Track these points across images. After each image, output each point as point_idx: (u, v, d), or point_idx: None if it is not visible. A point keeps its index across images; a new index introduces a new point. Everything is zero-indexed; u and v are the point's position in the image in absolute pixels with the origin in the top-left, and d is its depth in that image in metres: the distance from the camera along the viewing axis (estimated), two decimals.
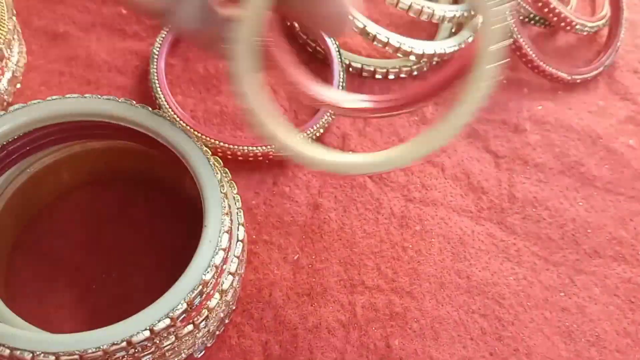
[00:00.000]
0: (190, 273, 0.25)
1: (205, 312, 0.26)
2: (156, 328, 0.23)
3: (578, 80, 0.44)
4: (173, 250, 0.32)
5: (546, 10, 0.43)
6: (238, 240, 0.28)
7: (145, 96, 0.38)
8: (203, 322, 0.26)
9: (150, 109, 0.28)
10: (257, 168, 0.37)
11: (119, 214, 0.33)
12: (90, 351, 0.22)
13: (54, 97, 0.28)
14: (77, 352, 0.22)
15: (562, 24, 0.44)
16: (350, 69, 0.41)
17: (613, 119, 0.43)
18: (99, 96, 0.28)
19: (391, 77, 0.41)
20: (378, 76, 0.41)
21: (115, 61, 0.39)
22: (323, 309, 0.33)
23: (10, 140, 0.28)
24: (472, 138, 0.41)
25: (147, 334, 0.23)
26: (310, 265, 0.34)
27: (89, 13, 0.41)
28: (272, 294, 0.33)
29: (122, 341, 0.23)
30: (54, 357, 0.22)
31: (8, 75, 0.34)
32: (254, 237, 0.35)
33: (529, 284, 0.36)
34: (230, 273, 0.27)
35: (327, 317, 0.32)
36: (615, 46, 0.46)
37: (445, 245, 0.36)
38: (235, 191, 0.29)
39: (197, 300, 0.25)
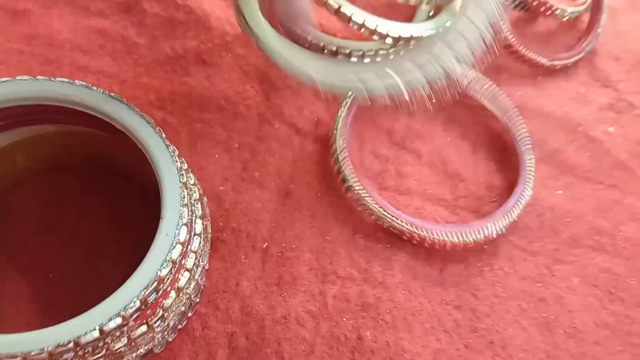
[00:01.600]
0: (144, 268, 0.23)
1: (160, 312, 0.24)
2: (106, 328, 0.22)
3: (558, 66, 0.43)
4: (134, 239, 0.31)
5: None
6: (195, 234, 0.26)
7: (109, 75, 0.36)
8: (158, 322, 0.24)
9: (107, 92, 0.27)
10: (226, 152, 0.35)
11: (77, 201, 0.31)
12: (34, 353, 0.20)
13: (4, 78, 0.26)
14: (19, 354, 0.20)
15: (542, 8, 0.42)
16: (325, 51, 0.40)
17: (593, 106, 0.42)
18: (53, 78, 0.26)
19: (367, 60, 0.40)
20: (354, 59, 0.40)
21: (78, 40, 0.37)
22: (292, 299, 0.31)
23: None
24: (449, 124, 0.39)
25: (96, 334, 0.21)
26: (280, 254, 0.33)
27: None
28: (239, 284, 0.31)
29: (69, 342, 0.21)
30: None
31: None
32: (221, 224, 0.33)
33: (505, 275, 0.34)
34: (187, 269, 0.25)
35: (296, 308, 0.31)
36: (595, 32, 0.45)
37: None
38: (192, 181, 0.28)
39: (151, 298, 0.23)
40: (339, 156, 0.35)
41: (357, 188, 0.34)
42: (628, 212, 0.38)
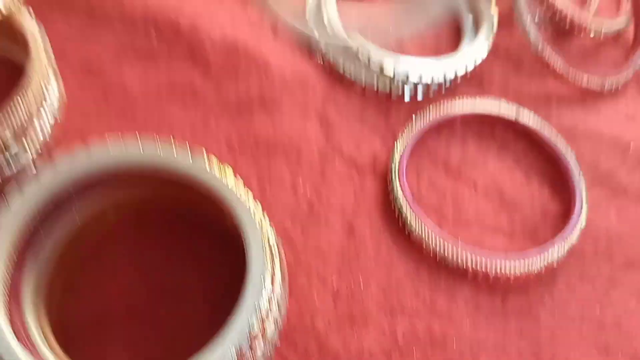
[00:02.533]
0: (236, 321, 0.25)
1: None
2: None
3: (609, 88, 0.44)
4: (219, 288, 0.33)
5: (559, 16, 0.43)
6: (276, 280, 0.29)
7: (180, 126, 0.39)
8: None
9: (189, 153, 0.29)
10: (293, 193, 0.38)
11: (165, 252, 0.34)
12: None
13: (98, 146, 0.29)
14: None
15: (576, 30, 0.43)
16: None
17: None
18: (140, 144, 0.29)
19: None
20: None
21: (149, 92, 0.40)
22: (364, 335, 0.34)
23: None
24: (502, 152, 0.41)
25: None
26: (349, 291, 0.35)
27: (120, 43, 0.41)
28: (314, 322, 0.34)
29: None
30: None
31: (47, 115, 0.34)
32: (294, 265, 0.35)
33: (564, 301, 0.36)
34: (272, 317, 0.28)
35: (369, 344, 0.33)
36: None
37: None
38: (267, 226, 0.30)
39: (245, 349, 0.26)
40: (398, 197, 0.37)
41: (418, 230, 0.36)
42: None
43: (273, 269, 0.28)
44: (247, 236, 0.28)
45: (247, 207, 0.28)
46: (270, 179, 0.38)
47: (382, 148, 0.40)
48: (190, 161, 0.29)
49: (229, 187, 0.29)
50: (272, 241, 0.30)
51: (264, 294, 0.26)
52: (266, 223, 0.30)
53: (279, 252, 0.30)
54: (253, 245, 0.28)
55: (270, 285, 0.27)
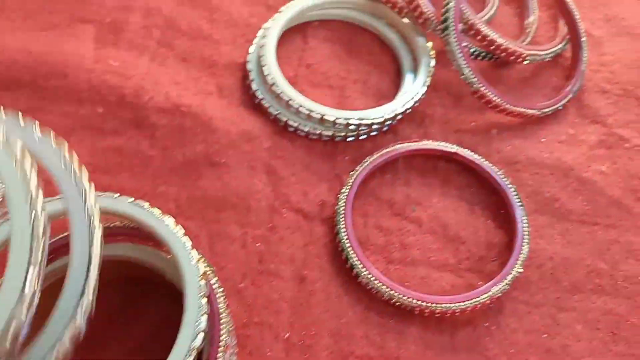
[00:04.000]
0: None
1: None
2: None
3: (548, 113, 0.45)
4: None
5: (492, 46, 0.44)
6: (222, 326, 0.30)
7: (130, 191, 0.40)
8: None
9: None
10: (242, 247, 0.39)
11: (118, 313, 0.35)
12: None
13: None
14: None
15: (512, 57, 0.45)
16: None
17: (584, 146, 0.44)
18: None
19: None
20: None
21: (98, 161, 0.41)
22: None
23: None
24: (445, 187, 0.42)
25: None
26: (301, 342, 0.36)
27: (67, 117, 0.43)
28: None
29: None
30: None
31: None
32: (245, 320, 0.37)
33: (512, 331, 0.37)
34: None
35: None
36: (580, 71, 0.46)
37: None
38: (213, 279, 0.31)
39: None
40: (344, 242, 0.38)
41: (364, 273, 0.37)
42: (626, 250, 0.40)
43: (214, 315, 0.30)
44: (186, 282, 0.29)
45: (187, 253, 0.30)
46: (220, 236, 0.39)
47: (329, 193, 0.42)
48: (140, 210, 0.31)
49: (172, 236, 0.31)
50: (217, 292, 0.31)
51: (198, 335, 0.28)
52: (213, 276, 0.32)
53: (224, 303, 0.32)
54: (190, 288, 0.29)
55: (207, 327, 0.28)
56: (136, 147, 0.42)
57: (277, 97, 0.43)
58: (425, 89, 0.44)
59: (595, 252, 0.40)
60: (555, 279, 0.39)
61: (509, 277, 0.38)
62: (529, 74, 0.48)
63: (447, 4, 0.43)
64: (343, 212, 0.40)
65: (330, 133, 0.43)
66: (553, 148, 0.44)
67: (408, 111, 0.44)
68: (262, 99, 0.44)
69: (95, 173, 0.41)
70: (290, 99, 0.42)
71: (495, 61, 0.47)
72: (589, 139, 0.45)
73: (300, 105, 0.42)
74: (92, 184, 0.28)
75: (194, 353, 0.27)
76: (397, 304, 0.37)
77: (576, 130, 0.45)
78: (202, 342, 0.28)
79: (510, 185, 0.41)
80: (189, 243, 0.31)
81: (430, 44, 0.46)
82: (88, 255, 0.25)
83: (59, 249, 0.32)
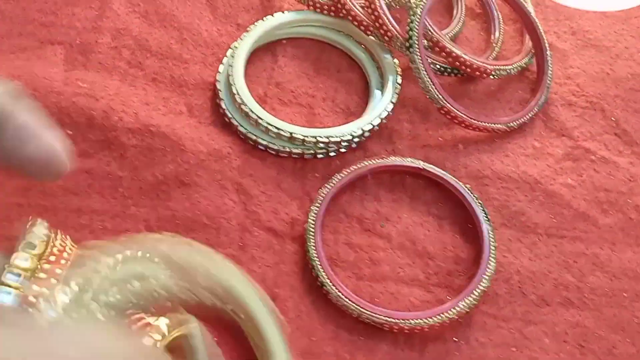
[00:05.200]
0: None
1: None
2: None
3: (515, 127, 0.46)
4: None
5: (457, 62, 0.45)
6: None
7: (100, 212, 0.40)
8: None
9: None
10: None
11: None
12: None
13: None
14: None
15: (477, 72, 0.45)
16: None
17: (550, 159, 0.45)
18: None
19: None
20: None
21: (68, 184, 0.41)
22: None
23: None
24: (414, 203, 0.43)
25: None
26: None
27: None
28: None
29: None
30: None
31: None
32: (217, 340, 0.37)
33: (480, 345, 0.38)
34: None
35: None
36: (545, 84, 0.47)
37: None
38: None
39: None
40: (314, 260, 0.39)
41: (333, 290, 0.37)
42: (592, 262, 0.41)
43: None
44: None
45: None
46: None
47: (299, 211, 0.42)
48: None
49: None
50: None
51: None
52: None
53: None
54: None
55: None
56: (106, 169, 0.42)
57: (247, 115, 0.43)
58: (392, 105, 0.45)
59: (562, 265, 0.41)
60: (522, 292, 0.40)
61: (477, 292, 0.38)
62: (496, 88, 0.49)
63: (411, 21, 0.44)
64: (313, 229, 0.40)
65: (299, 151, 0.43)
66: (519, 162, 0.45)
67: (376, 128, 0.44)
68: (231, 118, 0.44)
69: (66, 196, 0.41)
70: (259, 118, 0.43)
71: (462, 77, 0.47)
72: (555, 152, 0.45)
73: (269, 124, 0.43)
74: None
75: None
76: (367, 320, 0.37)
77: (542, 143, 0.46)
78: None
79: (477, 201, 0.41)
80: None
81: (396, 61, 0.46)
82: None
83: None
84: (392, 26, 0.45)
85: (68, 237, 0.24)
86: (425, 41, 0.45)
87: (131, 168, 0.42)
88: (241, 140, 0.44)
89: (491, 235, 0.40)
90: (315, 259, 0.39)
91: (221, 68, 0.46)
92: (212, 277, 0.26)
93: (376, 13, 0.45)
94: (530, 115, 0.46)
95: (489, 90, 0.49)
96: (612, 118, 0.47)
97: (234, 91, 0.44)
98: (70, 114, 0.43)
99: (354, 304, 0.37)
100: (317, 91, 0.47)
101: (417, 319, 0.37)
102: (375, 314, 0.37)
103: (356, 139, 0.44)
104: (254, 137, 0.43)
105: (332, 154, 0.44)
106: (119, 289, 0.23)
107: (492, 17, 0.51)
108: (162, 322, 0.25)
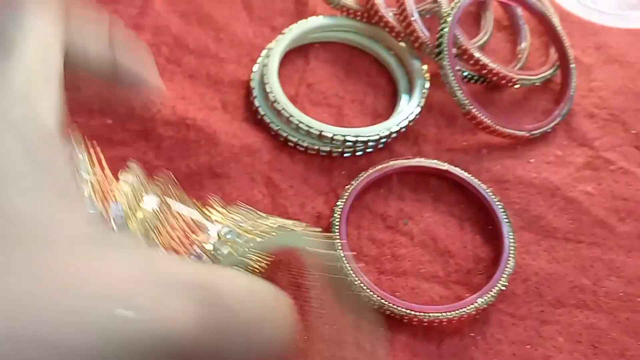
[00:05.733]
0: None
1: None
2: None
3: (537, 135, 0.47)
4: None
5: (484, 71, 0.46)
6: None
7: None
8: None
9: None
10: None
11: None
12: None
13: None
14: None
15: (503, 81, 0.47)
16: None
17: (571, 167, 0.46)
18: None
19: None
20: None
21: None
22: None
23: None
24: (437, 203, 0.44)
25: None
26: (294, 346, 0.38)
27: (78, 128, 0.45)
28: None
29: None
30: None
31: None
32: None
33: (497, 341, 0.39)
34: None
35: None
36: (568, 96, 0.48)
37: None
38: None
39: None
40: (338, 253, 0.40)
41: (357, 282, 0.39)
42: (608, 267, 0.42)
43: None
44: None
45: None
46: None
47: (325, 206, 0.44)
48: None
49: None
50: None
51: None
52: None
53: None
54: None
55: None
56: (143, 157, 0.44)
57: (278, 113, 0.45)
58: (419, 109, 0.46)
59: (578, 268, 0.42)
60: (539, 293, 0.41)
61: (495, 290, 0.39)
62: (520, 97, 0.50)
63: (442, 29, 0.45)
64: (338, 224, 0.42)
65: (327, 149, 0.45)
66: (541, 168, 0.46)
67: (403, 130, 0.46)
68: (263, 115, 0.46)
69: None
70: (290, 116, 0.44)
71: (488, 85, 0.49)
72: (575, 161, 0.47)
73: (300, 122, 0.44)
74: None
75: None
76: (387, 312, 0.39)
77: (564, 152, 0.47)
78: None
79: (498, 203, 0.43)
80: None
81: (425, 67, 0.48)
82: None
83: None
84: (423, 33, 0.47)
85: None
86: (454, 49, 0.46)
87: (166, 158, 0.44)
88: (272, 137, 0.46)
89: (511, 237, 0.41)
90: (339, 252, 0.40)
91: (255, 67, 0.48)
92: None
93: (408, 20, 0.47)
94: (553, 125, 0.48)
95: (514, 99, 0.50)
96: (633, 131, 0.48)
97: (268, 90, 0.46)
98: (111, 104, 0.45)
99: (375, 296, 0.39)
100: (347, 93, 0.49)
101: (436, 312, 0.38)
102: (396, 306, 0.38)
103: (383, 140, 0.45)
104: (285, 134, 0.45)
105: (358, 153, 0.45)
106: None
107: (519, 29, 0.52)
108: None
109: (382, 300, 0.38)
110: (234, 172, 0.44)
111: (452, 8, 0.46)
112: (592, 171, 0.46)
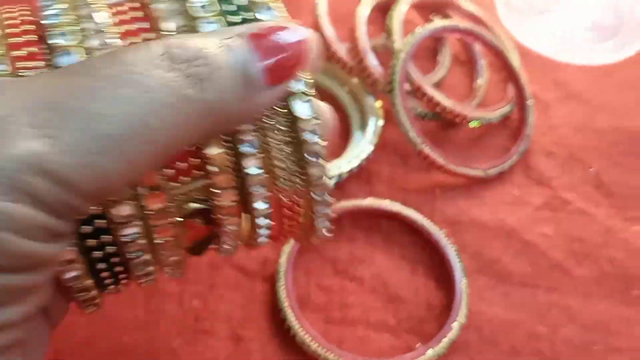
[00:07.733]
0: None
1: None
2: None
3: (494, 175, 0.45)
4: None
5: (438, 108, 0.45)
6: None
7: None
8: None
9: None
10: (179, 305, 0.38)
11: None
12: None
13: None
14: None
15: (457, 119, 0.46)
16: None
17: (528, 208, 0.45)
18: None
19: None
20: None
21: None
22: None
23: None
24: (389, 245, 0.42)
25: None
26: None
27: None
28: None
29: None
30: None
31: None
32: None
33: None
34: None
35: None
36: (525, 133, 0.47)
37: None
38: None
39: None
40: (282, 301, 0.38)
41: (300, 333, 0.37)
42: (565, 313, 0.40)
43: None
44: None
45: None
46: (157, 292, 0.39)
47: (272, 251, 0.41)
48: None
49: None
50: None
51: None
52: None
53: None
54: None
55: None
56: None
57: None
58: (372, 147, 0.45)
59: (534, 314, 0.40)
60: (494, 342, 0.39)
61: (446, 340, 0.37)
62: (477, 134, 0.49)
63: (394, 65, 0.44)
64: (284, 270, 0.40)
65: None
66: (497, 209, 0.44)
67: (355, 169, 0.44)
68: None
69: None
70: None
71: (444, 122, 0.48)
72: (533, 201, 0.45)
73: None
74: None
75: None
76: None
77: (521, 191, 0.46)
78: None
79: (451, 246, 0.41)
80: None
81: (379, 104, 0.46)
82: None
83: None
84: (375, 69, 0.45)
85: None
86: (407, 85, 0.45)
87: None
88: None
89: (464, 282, 0.40)
90: (284, 300, 0.38)
91: None
92: None
93: (360, 56, 0.46)
94: (510, 163, 0.46)
95: (471, 136, 0.49)
96: (591, 169, 0.47)
97: None
98: None
99: (321, 348, 0.37)
100: None
101: None
102: (343, 359, 0.36)
103: (334, 180, 0.43)
104: None
105: None
106: None
107: (476, 64, 0.51)
108: None
109: (328, 353, 0.36)
110: None
111: (405, 44, 0.45)
112: (550, 212, 0.45)
